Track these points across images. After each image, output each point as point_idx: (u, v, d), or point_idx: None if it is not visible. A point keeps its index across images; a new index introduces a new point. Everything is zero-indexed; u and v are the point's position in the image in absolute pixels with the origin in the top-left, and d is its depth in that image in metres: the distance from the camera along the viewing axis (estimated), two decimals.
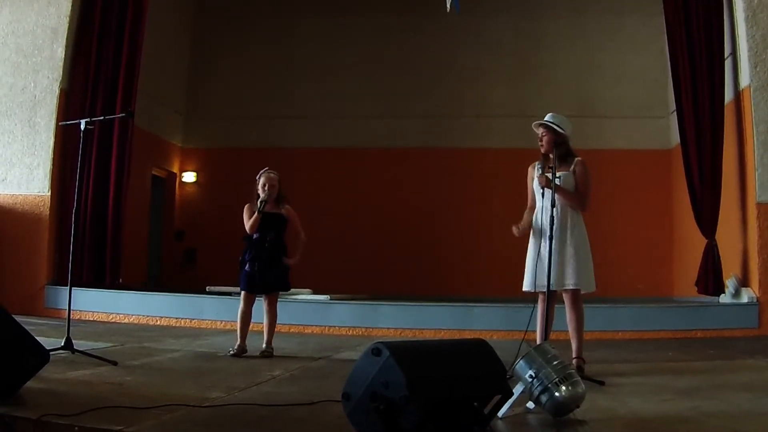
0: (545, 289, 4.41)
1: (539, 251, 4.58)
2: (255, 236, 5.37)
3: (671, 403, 3.59)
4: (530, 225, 4.74)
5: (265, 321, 5.49)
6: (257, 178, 5.46)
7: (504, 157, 10.83)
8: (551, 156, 4.63)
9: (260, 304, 5.55)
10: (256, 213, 5.32)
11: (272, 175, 5.45)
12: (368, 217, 12.07)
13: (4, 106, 8.77)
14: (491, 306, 7.65)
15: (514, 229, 4.74)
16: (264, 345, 5.39)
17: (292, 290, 8.60)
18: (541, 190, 4.60)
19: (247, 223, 5.36)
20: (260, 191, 5.39)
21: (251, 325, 5.50)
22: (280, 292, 5.63)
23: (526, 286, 4.66)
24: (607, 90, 12.08)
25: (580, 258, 4.59)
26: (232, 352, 5.30)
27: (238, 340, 5.39)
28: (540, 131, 4.75)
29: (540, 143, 4.73)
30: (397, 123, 12.48)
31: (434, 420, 2.68)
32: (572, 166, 4.71)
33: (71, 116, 8.23)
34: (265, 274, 5.36)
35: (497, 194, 10.76)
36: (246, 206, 5.44)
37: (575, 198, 4.67)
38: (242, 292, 5.47)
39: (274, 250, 5.41)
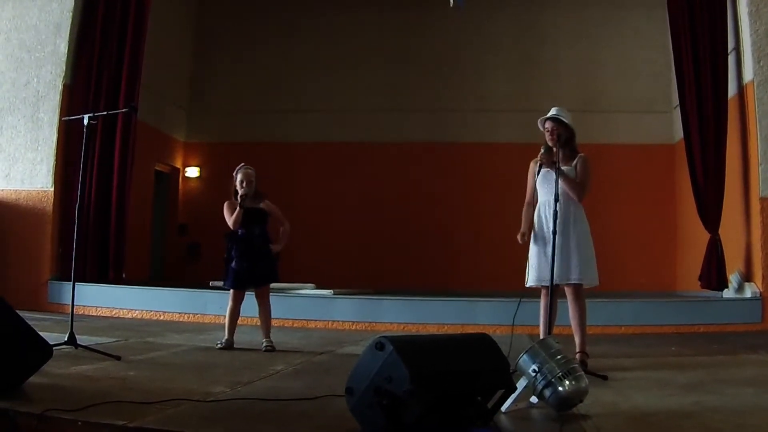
0: (548, 284, 4.42)
1: (542, 246, 4.58)
2: (240, 232, 5.36)
3: (674, 398, 3.59)
4: (530, 226, 4.73)
5: (260, 316, 5.50)
6: (234, 174, 5.43)
7: (508, 151, 10.80)
8: (554, 150, 4.63)
9: (250, 299, 5.53)
10: (238, 207, 5.30)
11: (249, 171, 5.44)
12: (372, 211, 12.06)
13: (8, 101, 8.77)
14: (495, 301, 7.64)
15: (519, 238, 4.71)
16: (264, 340, 5.38)
17: (296, 285, 8.63)
18: (544, 178, 4.61)
19: (230, 219, 5.34)
20: (238, 187, 5.36)
21: (254, 320, 5.49)
22: (271, 285, 5.59)
23: (530, 281, 4.67)
24: (610, 84, 12.05)
25: (582, 252, 4.59)
26: (220, 345, 5.34)
27: (226, 334, 5.41)
28: (549, 125, 4.73)
29: (551, 136, 4.69)
30: (400, 117, 12.46)
31: (437, 414, 2.68)
32: (575, 162, 4.71)
33: (74, 111, 8.22)
34: (254, 270, 5.36)
35: (501, 189, 10.70)
36: (226, 203, 5.43)
37: (574, 184, 4.65)
38: (231, 290, 5.46)
39: (262, 245, 5.41)
